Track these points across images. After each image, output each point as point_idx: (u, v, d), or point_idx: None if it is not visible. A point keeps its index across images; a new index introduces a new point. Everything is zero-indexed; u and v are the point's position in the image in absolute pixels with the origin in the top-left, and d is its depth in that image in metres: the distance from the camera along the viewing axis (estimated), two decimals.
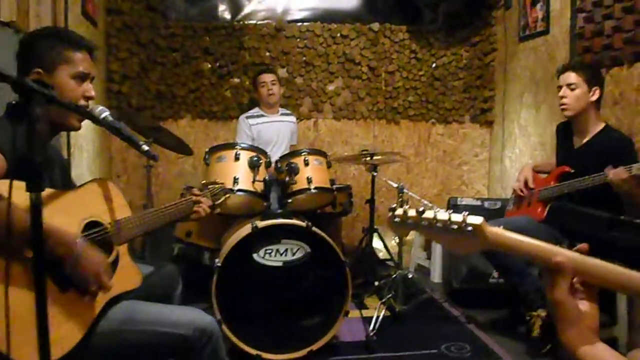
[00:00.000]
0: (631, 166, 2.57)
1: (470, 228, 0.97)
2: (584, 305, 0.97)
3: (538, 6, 4.24)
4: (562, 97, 2.97)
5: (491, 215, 3.82)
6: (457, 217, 0.98)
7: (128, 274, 1.81)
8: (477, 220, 0.97)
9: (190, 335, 1.75)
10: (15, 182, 1.19)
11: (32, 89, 1.19)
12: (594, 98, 2.92)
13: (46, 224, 1.21)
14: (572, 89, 2.93)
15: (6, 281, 1.19)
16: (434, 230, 1.01)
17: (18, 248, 1.41)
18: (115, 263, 1.76)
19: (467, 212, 0.98)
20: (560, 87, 2.99)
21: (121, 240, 1.80)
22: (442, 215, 1.00)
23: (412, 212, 1.02)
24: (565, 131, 3.17)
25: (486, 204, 4.01)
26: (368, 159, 3.64)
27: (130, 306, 1.77)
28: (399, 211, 1.04)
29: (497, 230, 0.98)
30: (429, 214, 1.01)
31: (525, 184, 3.32)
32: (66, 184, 1.89)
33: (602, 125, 2.98)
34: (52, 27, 1.83)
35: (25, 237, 1.20)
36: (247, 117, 4.24)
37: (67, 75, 1.73)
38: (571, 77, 2.94)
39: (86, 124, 1.90)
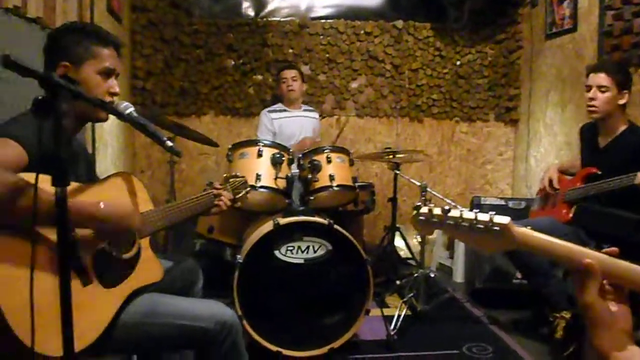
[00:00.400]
0: None
1: (497, 228, 0.96)
2: (615, 307, 0.95)
3: (565, 3, 4.17)
4: (591, 99, 2.89)
5: (515, 215, 3.75)
6: (483, 217, 0.97)
7: (150, 267, 1.83)
8: (504, 220, 0.96)
9: (210, 329, 1.76)
10: (41, 176, 1.21)
11: (59, 84, 1.20)
12: (623, 102, 2.86)
13: (68, 201, 1.22)
14: (603, 91, 2.85)
15: (31, 275, 1.20)
16: (460, 229, 0.99)
17: (42, 233, 1.43)
18: (137, 256, 1.78)
19: (494, 212, 0.97)
20: (589, 87, 2.91)
21: (143, 233, 1.82)
22: (469, 214, 0.98)
23: (437, 211, 1.01)
24: (590, 132, 3.12)
25: (510, 204, 3.96)
26: (391, 157, 3.63)
27: (151, 299, 1.79)
28: (424, 209, 1.02)
29: (524, 231, 0.97)
30: (454, 213, 1.00)
31: (550, 184, 3.27)
32: (91, 179, 1.91)
33: (627, 125, 2.92)
34: (80, 23, 1.86)
35: (51, 218, 1.22)
36: (269, 111, 4.24)
37: (94, 71, 1.74)
38: (602, 78, 2.85)
39: (111, 120, 1.91)
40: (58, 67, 1.70)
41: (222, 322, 1.79)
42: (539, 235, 0.97)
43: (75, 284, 1.52)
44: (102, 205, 1.54)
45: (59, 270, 1.20)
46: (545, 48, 4.55)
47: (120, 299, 1.68)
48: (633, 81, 3.00)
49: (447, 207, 1.00)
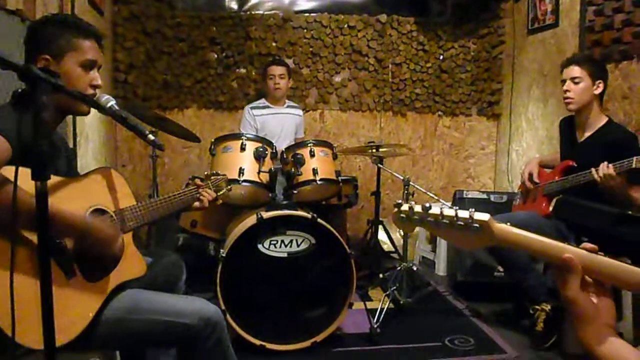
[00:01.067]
0: (630, 159, 2.57)
1: (477, 225, 0.97)
2: (597, 300, 0.96)
3: None
4: (566, 91, 2.98)
5: (497, 208, 3.81)
6: (464, 214, 0.98)
7: (133, 263, 1.82)
8: (484, 217, 0.97)
9: (194, 325, 1.75)
10: (21, 169, 1.20)
11: (39, 77, 1.19)
12: (598, 91, 2.93)
13: (53, 207, 1.21)
14: (576, 83, 2.94)
15: (12, 267, 1.19)
16: (440, 226, 1.00)
17: (24, 232, 1.42)
18: (122, 247, 1.76)
19: (473, 209, 0.98)
20: (564, 81, 3.00)
21: (126, 228, 1.81)
22: (449, 212, 1.00)
23: (418, 208, 1.02)
24: (569, 125, 3.17)
25: (492, 197, 3.99)
26: (374, 151, 3.63)
27: (135, 295, 1.78)
28: (405, 207, 1.04)
29: (503, 227, 0.98)
30: (435, 210, 1.01)
31: (530, 178, 3.31)
32: (70, 173, 1.89)
33: (605, 120, 2.99)
34: (61, 15, 1.83)
35: (32, 221, 1.21)
36: (252, 108, 4.22)
37: (75, 63, 1.73)
38: (575, 70, 2.95)
39: (93, 113, 1.90)
40: (38, 60, 1.68)
41: (206, 319, 1.78)
42: (518, 231, 0.97)
43: (59, 277, 1.51)
44: (89, 220, 1.53)
45: (39, 264, 1.20)
46: (527, 43, 4.59)
47: (104, 293, 1.67)
48: (614, 76, 3.05)
49: (427, 205, 1.01)
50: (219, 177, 2.46)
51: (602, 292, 0.97)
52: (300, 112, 4.45)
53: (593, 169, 2.73)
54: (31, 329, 1.32)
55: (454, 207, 0.99)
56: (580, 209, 2.94)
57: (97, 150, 3.98)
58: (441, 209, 1.01)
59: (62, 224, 1.48)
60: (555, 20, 4.11)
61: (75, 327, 1.53)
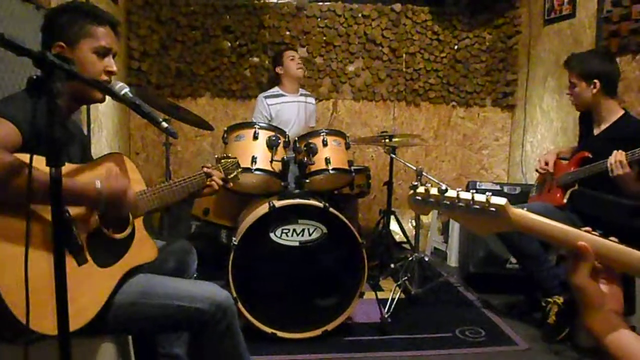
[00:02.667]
0: (634, 150, 2.57)
1: (493, 209, 0.97)
2: (606, 287, 0.96)
3: None
4: (568, 94, 3.07)
5: (511, 200, 3.74)
6: (480, 197, 0.98)
7: (144, 247, 1.83)
8: (501, 201, 0.97)
9: (206, 310, 1.76)
10: (36, 157, 1.21)
11: (53, 63, 1.20)
12: (595, 90, 2.92)
13: (63, 182, 1.22)
14: (573, 87, 3.00)
15: (26, 255, 1.20)
16: (456, 210, 1.00)
17: (40, 211, 1.44)
18: (131, 236, 1.78)
19: (490, 193, 0.98)
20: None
21: (137, 213, 1.82)
22: (465, 195, 0.99)
23: (434, 191, 1.02)
24: (587, 119, 3.15)
25: (506, 189, 3.97)
26: (387, 141, 3.62)
27: (147, 279, 1.79)
28: (421, 189, 1.03)
29: (520, 212, 0.98)
30: (451, 193, 1.00)
31: (545, 166, 3.29)
32: (84, 160, 1.90)
33: (621, 113, 2.96)
34: (76, 2, 1.84)
35: (47, 199, 1.23)
36: (266, 97, 4.21)
37: (89, 50, 1.73)
38: (569, 75, 3.01)
39: (107, 101, 1.90)
40: (53, 47, 1.69)
41: (218, 304, 1.79)
42: (534, 216, 0.97)
43: (71, 263, 1.52)
44: (98, 184, 1.55)
45: (53, 249, 1.21)
46: (543, 34, 4.53)
47: (116, 278, 1.68)
48: (631, 67, 3.01)
49: (443, 187, 1.01)
50: (229, 160, 2.46)
51: (612, 279, 0.97)
52: (314, 100, 4.45)
53: (610, 158, 2.71)
54: (44, 315, 1.33)
55: (471, 190, 0.99)
56: (595, 200, 2.92)
57: (110, 137, 4.00)
58: (457, 191, 1.00)
59: (74, 195, 1.51)
60: (571, 10, 4.06)
61: (88, 312, 1.54)
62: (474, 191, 0.99)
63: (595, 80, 2.90)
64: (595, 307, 0.94)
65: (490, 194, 0.98)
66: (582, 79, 2.94)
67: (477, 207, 0.98)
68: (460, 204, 0.99)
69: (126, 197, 1.66)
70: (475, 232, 1.02)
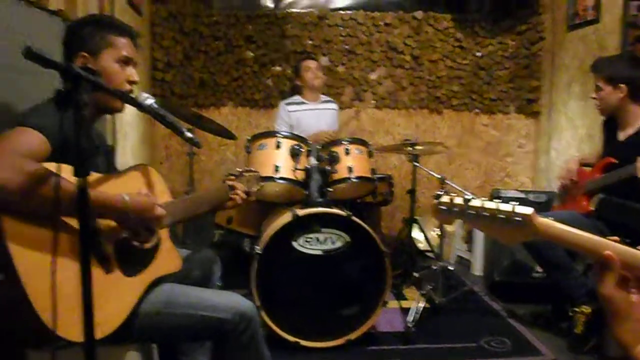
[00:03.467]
0: None
1: (519, 218, 0.96)
2: (637, 297, 0.94)
3: None
4: (594, 99, 3.03)
5: (536, 208, 3.72)
6: (506, 207, 0.97)
7: (169, 258, 1.85)
8: (527, 210, 0.96)
9: (229, 320, 1.77)
10: (63, 166, 1.23)
11: (79, 75, 1.22)
12: (622, 95, 2.88)
13: (91, 193, 1.24)
14: (599, 91, 2.96)
15: (53, 263, 1.22)
16: (480, 219, 0.99)
17: (67, 221, 1.46)
18: (157, 246, 1.79)
19: (516, 202, 0.97)
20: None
21: (163, 224, 1.84)
22: (490, 204, 0.98)
23: (458, 200, 1.01)
24: (611, 125, 3.11)
25: (531, 197, 3.93)
26: (409, 148, 3.61)
27: (172, 289, 1.81)
28: (445, 198, 1.03)
29: (547, 222, 0.97)
30: (476, 203, 0.99)
31: (568, 174, 3.25)
32: (109, 170, 1.93)
33: None
34: (96, 14, 1.89)
35: (74, 211, 1.24)
36: (287, 104, 4.23)
37: (112, 59, 1.77)
38: (596, 78, 2.97)
39: (131, 111, 1.93)
40: (77, 57, 1.73)
41: (241, 314, 1.80)
42: (561, 226, 0.96)
43: (98, 272, 1.54)
44: (126, 198, 1.57)
45: (80, 259, 1.23)
46: (567, 40, 4.48)
47: (141, 287, 1.70)
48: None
49: (468, 196, 1.00)
50: (251, 173, 2.47)
51: None
52: (336, 105, 4.46)
53: (638, 163, 2.65)
54: (71, 322, 1.35)
55: (495, 200, 0.98)
56: (622, 208, 2.87)
57: (135, 147, 4.05)
58: (482, 201, 1.00)
59: (103, 208, 1.53)
60: (596, 15, 4.01)
61: (114, 320, 1.56)
62: (499, 201, 0.98)
63: (622, 85, 2.87)
64: (623, 317, 0.92)
65: (516, 203, 0.97)
66: (609, 83, 2.90)
67: (503, 216, 0.97)
68: (485, 213, 0.98)
69: (153, 213, 1.67)
70: (500, 241, 1.02)
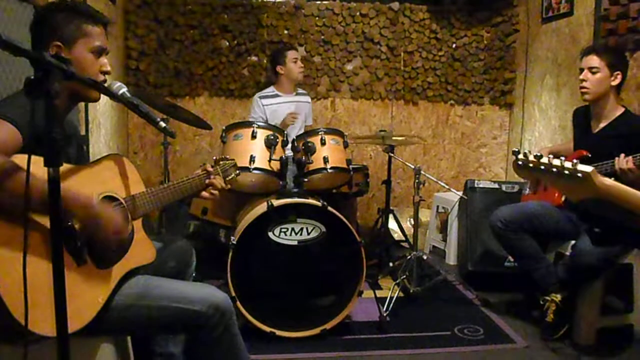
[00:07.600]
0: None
1: (580, 175, 1.08)
2: None
3: None
4: (582, 80, 2.92)
5: (509, 198, 3.78)
6: (569, 164, 1.11)
7: (143, 249, 1.84)
8: (587, 168, 1.08)
9: (204, 312, 1.76)
10: (33, 158, 1.21)
11: (51, 64, 1.19)
12: (615, 83, 2.87)
13: (62, 188, 1.22)
14: (594, 73, 2.87)
15: (24, 256, 1.20)
16: (551, 174, 1.12)
17: (36, 217, 1.43)
18: (130, 238, 1.78)
19: (577, 161, 1.11)
20: (582, 70, 2.93)
21: (136, 215, 1.82)
22: (556, 161, 1.13)
23: (531, 157, 1.16)
24: (584, 116, 3.12)
25: (504, 187, 3.97)
26: (385, 139, 3.62)
27: (145, 281, 1.80)
28: (521, 155, 1.18)
29: (605, 180, 1.08)
30: (545, 160, 1.14)
31: None
32: (81, 160, 1.90)
33: (621, 110, 2.93)
34: (69, 1, 1.83)
35: (44, 206, 1.22)
36: (261, 97, 4.19)
37: (86, 49, 1.73)
38: (593, 60, 2.88)
39: (105, 100, 1.91)
40: (50, 46, 1.68)
41: (215, 306, 1.79)
42: (621, 185, 1.06)
43: (70, 265, 1.52)
44: (94, 202, 1.54)
45: (52, 252, 1.21)
46: (541, 32, 4.53)
47: (114, 280, 1.68)
48: (629, 66, 3.00)
49: (538, 153, 1.15)
50: (227, 162, 2.45)
51: None
52: (309, 98, 4.46)
53: (616, 159, 2.65)
54: (44, 317, 1.33)
55: (560, 158, 1.12)
56: (594, 200, 2.91)
57: (109, 137, 4.00)
58: (549, 158, 1.14)
59: (70, 203, 1.47)
60: (569, 8, 4.06)
61: (87, 313, 1.55)
62: (563, 158, 1.11)
63: (619, 73, 2.86)
64: None
65: (577, 161, 1.11)
66: (608, 67, 2.85)
67: (567, 172, 1.09)
68: (553, 169, 1.11)
69: (114, 236, 1.62)
70: (568, 197, 1.14)
